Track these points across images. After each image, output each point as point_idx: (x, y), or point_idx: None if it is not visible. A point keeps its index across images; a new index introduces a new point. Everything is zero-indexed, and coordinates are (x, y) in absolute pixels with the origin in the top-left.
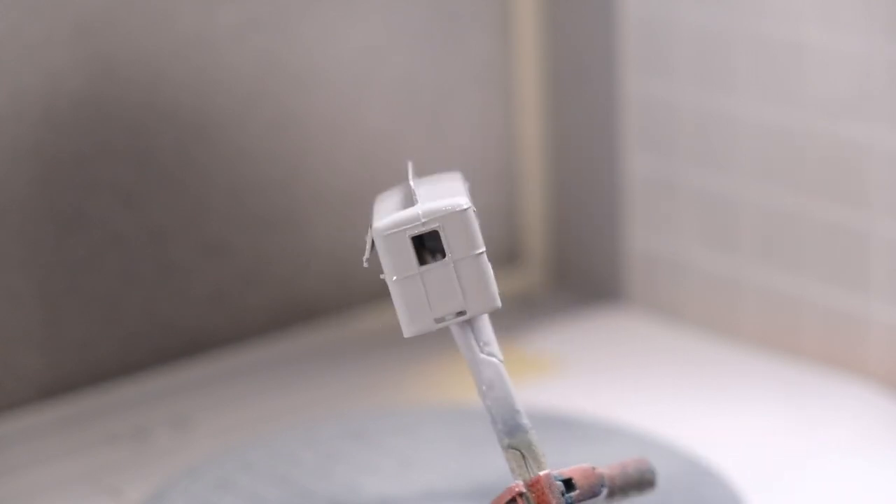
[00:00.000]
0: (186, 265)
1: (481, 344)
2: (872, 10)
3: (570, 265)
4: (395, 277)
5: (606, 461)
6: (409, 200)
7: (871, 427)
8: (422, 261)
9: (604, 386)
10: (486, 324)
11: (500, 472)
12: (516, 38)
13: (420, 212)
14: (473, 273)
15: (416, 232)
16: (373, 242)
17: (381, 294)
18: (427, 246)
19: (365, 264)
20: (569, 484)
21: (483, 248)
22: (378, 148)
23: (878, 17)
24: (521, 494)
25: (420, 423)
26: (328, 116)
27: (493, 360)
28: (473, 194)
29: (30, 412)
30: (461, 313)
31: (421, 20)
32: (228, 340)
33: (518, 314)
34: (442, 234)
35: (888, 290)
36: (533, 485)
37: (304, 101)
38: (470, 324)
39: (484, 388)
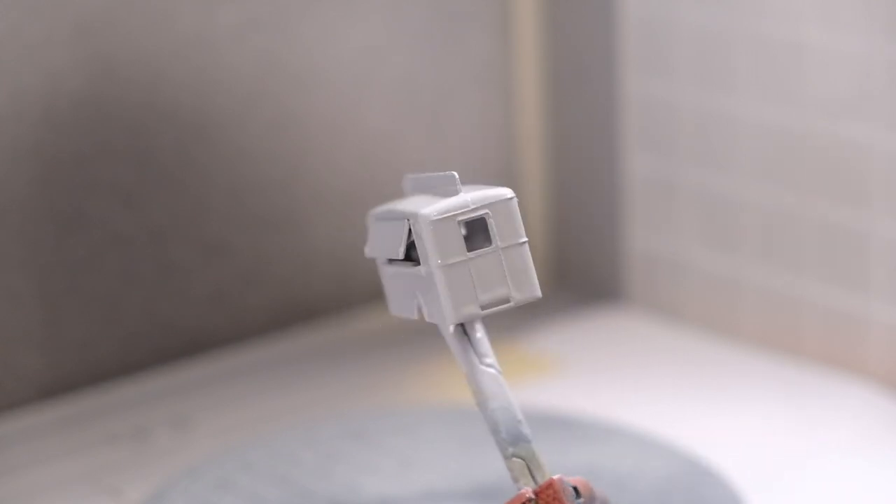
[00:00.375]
0: (186, 265)
1: (480, 355)
2: (872, 10)
3: (570, 265)
4: (440, 262)
5: (607, 461)
6: (439, 195)
7: (871, 427)
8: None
9: (604, 386)
10: (482, 335)
11: (500, 472)
12: (516, 38)
13: (469, 198)
14: (518, 261)
15: (466, 218)
16: (409, 234)
17: (381, 294)
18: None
19: (400, 255)
20: (575, 491)
21: (526, 238)
22: (378, 148)
23: (878, 17)
24: (530, 500)
25: (420, 423)
26: (328, 116)
27: (493, 370)
28: None
29: (30, 412)
30: (505, 301)
31: (421, 20)
32: (228, 340)
33: (518, 314)
34: (489, 222)
35: (888, 290)
36: (546, 489)
37: (304, 101)
38: (467, 335)
39: (486, 399)
